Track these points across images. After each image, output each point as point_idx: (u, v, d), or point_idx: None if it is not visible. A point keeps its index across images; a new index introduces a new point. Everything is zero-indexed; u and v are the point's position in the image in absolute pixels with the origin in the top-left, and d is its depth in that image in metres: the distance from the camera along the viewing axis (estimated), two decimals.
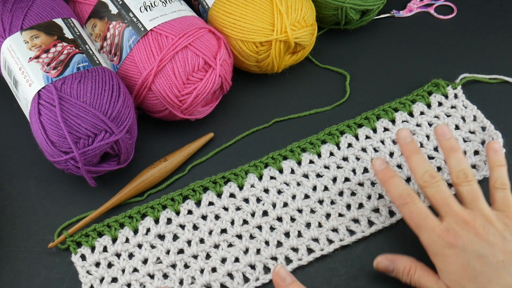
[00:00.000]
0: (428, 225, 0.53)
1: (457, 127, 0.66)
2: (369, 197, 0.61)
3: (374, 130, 0.66)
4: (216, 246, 0.59)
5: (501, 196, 0.55)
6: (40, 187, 0.63)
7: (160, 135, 0.67)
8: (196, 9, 0.70)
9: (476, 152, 0.64)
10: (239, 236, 0.59)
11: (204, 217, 0.61)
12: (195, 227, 0.60)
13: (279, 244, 0.59)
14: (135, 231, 0.60)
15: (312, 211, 0.60)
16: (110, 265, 0.59)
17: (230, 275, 0.57)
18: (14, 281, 0.58)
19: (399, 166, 0.63)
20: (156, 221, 0.60)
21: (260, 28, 0.63)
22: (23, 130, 0.65)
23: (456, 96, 0.68)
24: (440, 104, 0.67)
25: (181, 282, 0.57)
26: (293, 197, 0.61)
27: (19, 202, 0.62)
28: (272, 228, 0.60)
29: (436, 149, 0.64)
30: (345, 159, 0.64)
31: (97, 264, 0.58)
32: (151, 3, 0.64)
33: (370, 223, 0.60)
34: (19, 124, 0.67)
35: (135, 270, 0.58)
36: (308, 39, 0.66)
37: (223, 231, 0.60)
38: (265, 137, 0.67)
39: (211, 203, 0.61)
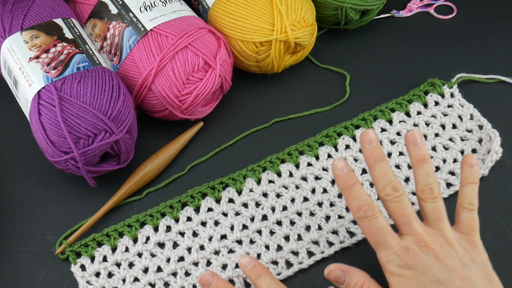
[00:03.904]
0: (387, 242, 0.50)
1: (454, 126, 0.66)
2: None
3: None
4: (217, 253, 0.59)
5: (467, 218, 0.52)
6: (40, 187, 0.63)
7: (160, 135, 0.66)
8: (196, 9, 0.70)
9: (474, 151, 0.64)
10: (239, 242, 0.59)
11: (203, 224, 0.60)
12: (194, 234, 0.60)
13: (279, 248, 0.59)
14: (135, 240, 0.60)
15: (312, 214, 0.60)
16: (110, 275, 0.58)
17: (231, 281, 0.57)
18: (14, 281, 0.58)
19: (398, 166, 0.63)
20: (156, 229, 0.60)
21: (260, 28, 0.63)
22: (23, 130, 0.65)
23: (452, 95, 0.68)
24: (436, 103, 0.68)
25: None
26: (292, 200, 0.61)
27: (19, 202, 0.62)
28: (272, 232, 0.60)
29: (434, 148, 0.64)
30: None
31: (97, 274, 0.58)
32: (151, 3, 0.64)
33: None
34: (19, 124, 0.67)
35: (136, 279, 0.58)
36: (308, 39, 0.66)
37: (223, 237, 0.59)
38: (265, 137, 0.67)
39: (210, 209, 0.61)
